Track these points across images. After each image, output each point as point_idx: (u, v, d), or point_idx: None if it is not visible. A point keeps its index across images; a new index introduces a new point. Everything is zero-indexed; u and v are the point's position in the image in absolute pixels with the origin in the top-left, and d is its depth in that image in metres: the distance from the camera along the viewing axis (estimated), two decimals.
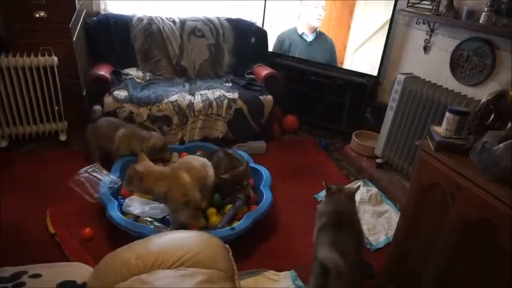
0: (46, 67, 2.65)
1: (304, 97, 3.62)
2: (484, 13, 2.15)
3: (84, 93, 2.86)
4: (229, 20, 3.49)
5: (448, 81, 2.55)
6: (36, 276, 1.17)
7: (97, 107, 2.61)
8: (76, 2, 2.75)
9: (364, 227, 2.31)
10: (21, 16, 2.65)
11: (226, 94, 2.98)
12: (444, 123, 1.49)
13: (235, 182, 2.20)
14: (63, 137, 2.93)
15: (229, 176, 2.19)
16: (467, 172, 1.31)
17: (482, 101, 1.40)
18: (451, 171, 1.37)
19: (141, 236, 1.71)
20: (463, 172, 1.32)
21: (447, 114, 1.47)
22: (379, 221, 2.42)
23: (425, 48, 2.78)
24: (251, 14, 3.69)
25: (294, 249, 2.10)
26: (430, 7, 2.62)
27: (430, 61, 2.74)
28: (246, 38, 3.49)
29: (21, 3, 2.61)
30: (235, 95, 2.99)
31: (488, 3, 2.12)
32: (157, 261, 1.09)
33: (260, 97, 3.06)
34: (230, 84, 3.23)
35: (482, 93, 2.28)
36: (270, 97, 3.10)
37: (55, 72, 2.69)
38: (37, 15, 2.67)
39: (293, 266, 1.94)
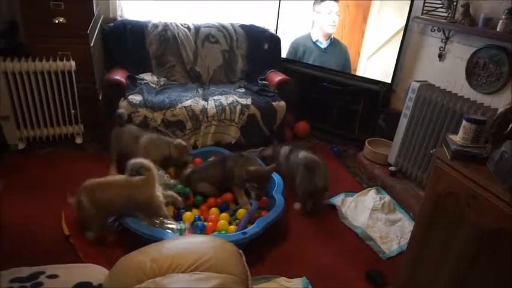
0: (64, 72, 2.71)
1: (317, 103, 3.62)
2: (501, 21, 2.13)
3: (100, 98, 2.91)
4: (242, 26, 3.52)
5: (464, 89, 2.52)
6: (53, 276, 1.20)
7: (121, 111, 2.64)
8: (94, 8, 2.81)
9: (377, 235, 2.30)
10: (41, 22, 2.72)
11: (239, 100, 3.00)
12: (461, 132, 1.47)
13: (259, 180, 2.24)
14: (79, 140, 2.98)
15: (255, 170, 2.24)
16: (484, 181, 1.29)
17: (500, 110, 1.38)
18: (468, 180, 1.35)
19: (153, 239, 1.73)
20: (480, 181, 1.30)
21: (464, 122, 1.46)
22: (391, 229, 2.39)
23: (440, 56, 2.76)
24: (264, 21, 3.72)
25: (306, 255, 2.10)
26: (446, 14, 2.60)
27: (445, 69, 2.72)
28: (259, 44, 3.52)
29: (41, 9, 2.69)
30: (248, 101, 3.00)
31: (506, 11, 2.10)
32: (172, 265, 1.11)
33: (273, 103, 3.07)
34: (243, 90, 3.25)
35: (499, 102, 2.26)
36: (282, 103, 3.10)
37: (72, 77, 2.75)
38: (56, 21, 2.74)
39: (305, 273, 1.93)
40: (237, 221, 2.18)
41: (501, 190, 1.23)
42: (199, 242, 1.26)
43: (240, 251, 1.29)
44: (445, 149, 1.52)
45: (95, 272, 1.27)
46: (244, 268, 1.20)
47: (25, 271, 1.20)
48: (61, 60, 2.71)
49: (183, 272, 1.09)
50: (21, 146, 2.80)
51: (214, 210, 2.25)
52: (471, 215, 1.34)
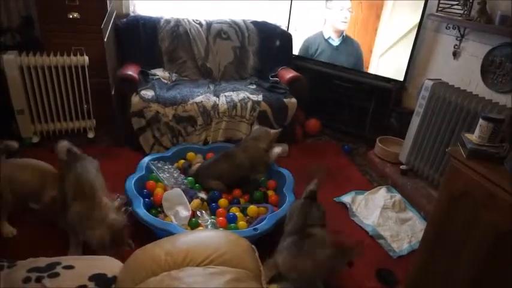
0: (77, 66, 2.74)
1: (328, 101, 3.61)
2: None
3: (113, 93, 2.93)
4: (254, 23, 3.52)
5: (479, 88, 2.49)
6: (69, 267, 1.21)
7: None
8: (107, 4, 2.83)
9: (387, 234, 2.29)
10: (55, 17, 2.74)
11: (251, 96, 3.00)
12: (477, 131, 1.45)
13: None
14: (91, 135, 3.02)
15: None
16: (501, 181, 1.27)
17: None
18: (484, 179, 1.33)
19: (165, 233, 1.75)
20: (497, 181, 1.29)
21: (481, 121, 1.44)
22: (402, 228, 2.38)
23: (455, 54, 2.72)
24: (276, 17, 3.71)
25: None
26: (461, 12, 2.56)
27: (460, 67, 2.68)
28: (270, 40, 3.51)
29: (55, 4, 2.71)
30: (260, 97, 3.00)
31: None
32: (186, 258, 1.11)
33: (284, 100, 3.07)
34: (254, 87, 3.25)
35: None
36: (293, 100, 3.10)
37: (86, 72, 2.77)
38: (70, 16, 2.76)
39: None
40: (247, 217, 2.19)
41: None
42: (214, 237, 1.27)
43: (253, 246, 1.29)
44: (460, 148, 1.50)
45: (110, 264, 1.28)
46: (257, 263, 1.20)
47: (42, 261, 1.22)
48: (75, 55, 2.74)
49: (197, 265, 1.10)
50: (35, 139, 2.84)
51: (223, 201, 2.26)
52: (487, 214, 1.33)
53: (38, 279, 1.13)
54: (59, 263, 1.22)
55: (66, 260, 1.25)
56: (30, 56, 2.63)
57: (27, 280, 1.12)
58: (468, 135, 1.50)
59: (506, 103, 2.27)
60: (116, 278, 1.20)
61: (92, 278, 1.18)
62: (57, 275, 1.16)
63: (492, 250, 1.32)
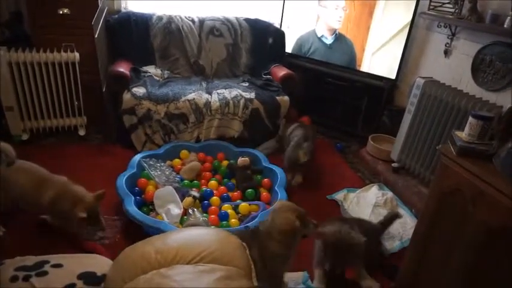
0: (68, 63, 2.71)
1: (320, 99, 3.61)
2: (509, 17, 2.11)
3: (104, 90, 2.90)
4: (247, 20, 3.51)
5: (469, 86, 2.51)
6: (58, 266, 1.20)
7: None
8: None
9: None
10: (45, 13, 2.71)
11: (243, 94, 2.99)
12: (467, 128, 1.46)
13: None
14: (82, 132, 2.99)
15: None
16: (490, 178, 1.28)
17: (509, 106, 1.37)
18: (474, 176, 1.34)
19: (156, 231, 1.74)
20: (486, 178, 1.29)
21: (470, 119, 1.44)
22: (393, 225, 2.38)
23: (446, 52, 2.74)
24: (269, 15, 3.70)
25: (307, 249, 2.09)
26: (453, 10, 2.58)
27: (451, 65, 2.70)
28: (263, 38, 3.50)
29: (45, 0, 2.67)
30: (252, 95, 2.99)
31: None
32: (176, 256, 1.11)
33: (277, 97, 3.06)
34: (247, 84, 3.24)
35: (505, 99, 2.24)
36: (286, 98, 3.09)
37: (76, 68, 2.75)
38: (61, 12, 2.73)
39: (306, 267, 1.93)
40: (239, 215, 2.19)
41: (507, 187, 1.22)
42: (204, 234, 1.26)
43: (244, 243, 1.29)
44: (450, 145, 1.51)
45: (99, 262, 1.27)
46: (248, 261, 1.20)
47: (30, 260, 1.21)
48: (65, 51, 2.70)
49: (187, 263, 1.09)
50: (24, 137, 2.80)
51: (215, 199, 2.25)
52: (477, 212, 1.33)
53: (26, 278, 1.12)
54: (47, 262, 1.21)
55: (54, 258, 1.24)
56: (19, 52, 2.59)
57: (14, 279, 1.11)
58: (458, 133, 1.51)
59: (496, 101, 2.29)
60: (105, 276, 1.19)
61: (80, 276, 1.17)
62: (45, 273, 1.15)
63: (483, 247, 1.33)
